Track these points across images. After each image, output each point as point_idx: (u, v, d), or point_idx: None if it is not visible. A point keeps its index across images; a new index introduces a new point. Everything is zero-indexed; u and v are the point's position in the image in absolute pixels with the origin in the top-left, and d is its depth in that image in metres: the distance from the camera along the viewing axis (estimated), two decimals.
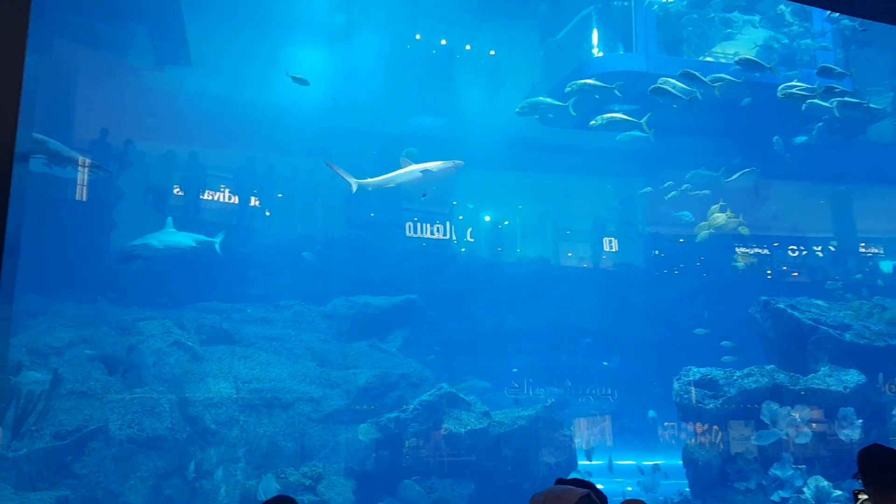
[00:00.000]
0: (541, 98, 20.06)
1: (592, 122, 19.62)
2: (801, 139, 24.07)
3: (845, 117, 22.15)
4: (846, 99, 20.27)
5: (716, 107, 21.78)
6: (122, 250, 17.44)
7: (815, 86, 20.10)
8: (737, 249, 25.20)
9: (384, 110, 23.83)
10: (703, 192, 22.98)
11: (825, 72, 20.16)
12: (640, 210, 27.37)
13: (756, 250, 26.58)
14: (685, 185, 22.67)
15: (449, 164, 18.73)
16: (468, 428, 16.15)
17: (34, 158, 13.82)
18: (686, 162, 23.25)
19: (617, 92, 19.18)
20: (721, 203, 22.22)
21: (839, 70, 20.54)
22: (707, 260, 23.21)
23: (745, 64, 19.61)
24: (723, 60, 22.87)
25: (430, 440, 16.05)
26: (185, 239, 18.43)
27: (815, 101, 19.98)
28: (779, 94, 19.73)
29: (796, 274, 26.43)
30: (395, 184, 18.99)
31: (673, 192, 22.74)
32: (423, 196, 19.39)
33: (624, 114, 20.75)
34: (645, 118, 19.68)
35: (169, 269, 19.05)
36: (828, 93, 19.85)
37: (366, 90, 23.70)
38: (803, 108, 20.22)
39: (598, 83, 19.77)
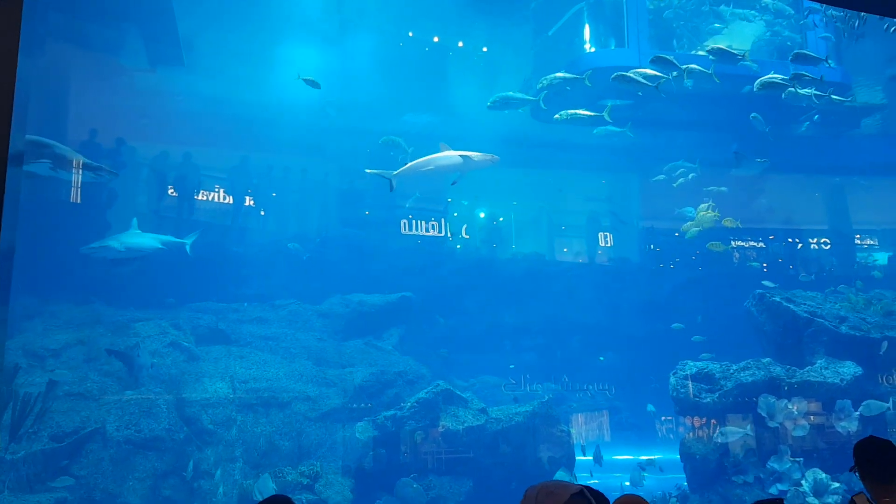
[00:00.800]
0: (510, 92, 20.08)
1: (556, 117, 19.66)
2: (805, 126, 24.15)
3: (837, 109, 22.23)
4: (807, 90, 20.28)
5: (712, 101, 21.85)
6: (82, 253, 17.12)
7: (792, 74, 20.08)
8: (732, 242, 25.28)
9: (378, 108, 23.77)
10: (721, 188, 23.09)
11: (800, 58, 20.14)
12: (635, 204, 27.40)
13: (751, 243, 26.66)
14: (692, 175, 22.72)
15: (487, 156, 18.89)
16: (465, 425, 16.17)
17: (39, 163, 13.77)
18: (682, 156, 23.28)
19: (587, 82, 19.21)
20: (710, 202, 22.26)
21: (814, 56, 20.50)
22: (702, 253, 23.24)
23: (718, 54, 19.58)
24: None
25: (427, 438, 16.06)
26: (150, 240, 17.98)
27: (793, 90, 19.97)
28: (755, 87, 19.71)
29: (786, 264, 26.46)
30: (434, 166, 18.98)
31: (681, 180, 22.77)
32: (453, 184, 19.47)
33: (618, 108, 20.80)
34: (606, 110, 19.74)
35: (164, 270, 19.03)
36: (796, 80, 19.79)
37: (359, 88, 23.66)
38: (783, 96, 20.22)
39: (568, 75, 19.84)
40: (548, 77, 19.82)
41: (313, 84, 19.58)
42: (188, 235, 19.14)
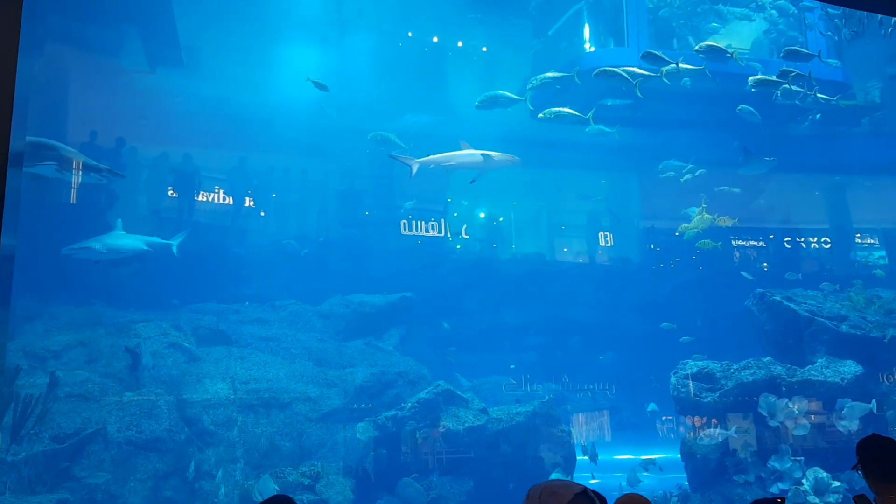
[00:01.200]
0: (499, 91, 20.11)
1: (540, 116, 19.70)
2: (805, 124, 24.21)
3: (838, 108, 22.26)
4: (799, 88, 20.35)
5: (712, 100, 21.85)
6: (63, 254, 16.91)
7: (780, 71, 20.11)
8: (733, 242, 25.34)
9: (377, 108, 23.78)
10: (734, 189, 23.13)
11: (792, 55, 20.16)
12: (635, 204, 27.37)
13: (752, 242, 26.67)
14: (700, 171, 22.72)
15: (508, 156, 19.35)
16: (466, 425, 16.17)
17: (45, 165, 13.76)
18: (681, 155, 23.28)
19: (577, 79, 19.31)
20: (703, 206, 22.26)
21: (805, 52, 20.53)
22: (703, 253, 23.19)
23: (708, 52, 19.59)
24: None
25: (428, 438, 16.07)
26: (134, 242, 17.65)
27: (787, 86, 20.00)
28: (750, 85, 19.74)
29: (787, 263, 26.41)
30: (455, 162, 19.45)
31: (688, 176, 22.79)
32: (472, 182, 19.85)
33: (618, 108, 20.86)
34: (590, 113, 19.73)
35: (165, 271, 19.01)
36: (785, 76, 19.81)
37: (358, 88, 23.67)
38: (779, 94, 20.27)
39: (557, 74, 19.94)
40: (538, 77, 19.91)
41: (321, 87, 19.61)
42: (175, 236, 18.91)
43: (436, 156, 19.48)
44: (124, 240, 17.44)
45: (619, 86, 19.90)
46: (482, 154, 19.01)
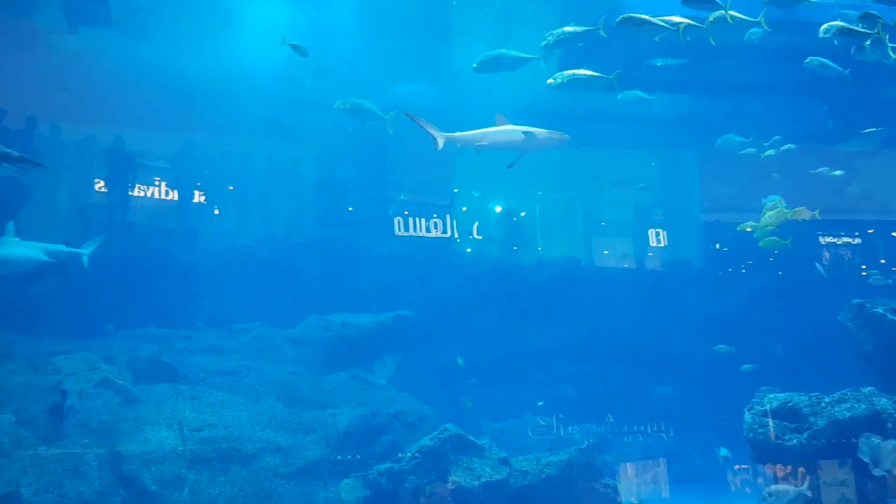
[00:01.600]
0: (503, 50, 19.88)
1: (550, 81, 19.42)
2: None
3: None
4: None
5: (790, 57, 21.56)
6: None
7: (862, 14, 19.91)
8: (821, 239, 25.18)
9: (362, 76, 23.69)
10: (836, 172, 22.89)
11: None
12: (694, 192, 27.26)
13: (845, 240, 26.50)
14: (787, 146, 22.50)
15: (556, 134, 18.82)
16: (482, 480, 15.90)
17: None
18: (753, 127, 23.06)
19: (602, 32, 19.00)
20: (778, 199, 22.06)
21: None
22: (782, 254, 23.00)
23: None
24: None
25: (433, 497, 15.84)
26: (28, 251, 17.15)
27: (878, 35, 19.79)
28: (829, 35, 19.44)
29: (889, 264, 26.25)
30: (489, 142, 19.02)
31: (770, 151, 22.57)
32: (509, 167, 19.46)
33: (671, 69, 20.64)
34: (615, 74, 19.42)
35: (91, 287, 18.86)
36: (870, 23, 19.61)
37: (338, 51, 23.59)
38: (867, 47, 20.04)
39: (578, 28, 19.59)
40: (553, 32, 19.59)
41: (300, 51, 19.44)
42: (85, 244, 18.49)
43: (466, 133, 19.22)
44: (14, 249, 17.02)
45: (669, 41, 19.64)
46: (524, 131, 18.65)
